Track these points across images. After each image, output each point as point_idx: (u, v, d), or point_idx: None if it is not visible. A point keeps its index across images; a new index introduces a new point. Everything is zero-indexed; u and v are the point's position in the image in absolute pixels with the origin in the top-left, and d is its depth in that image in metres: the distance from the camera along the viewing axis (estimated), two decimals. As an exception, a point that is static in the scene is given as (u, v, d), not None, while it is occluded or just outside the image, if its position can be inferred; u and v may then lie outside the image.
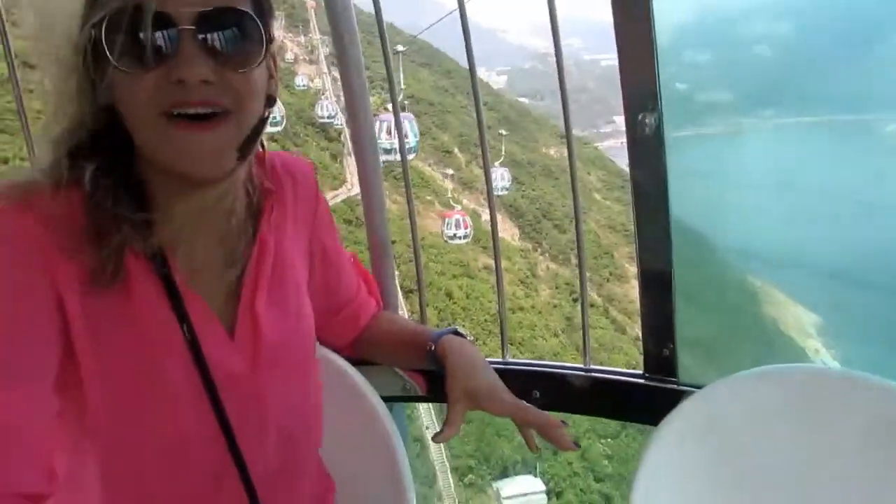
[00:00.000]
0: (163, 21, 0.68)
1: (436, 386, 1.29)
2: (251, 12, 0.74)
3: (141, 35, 0.68)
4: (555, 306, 28.82)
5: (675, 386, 1.23)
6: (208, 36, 0.70)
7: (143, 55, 0.69)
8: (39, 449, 0.72)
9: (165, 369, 0.79)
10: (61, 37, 0.72)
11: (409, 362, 1.19)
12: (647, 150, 1.16)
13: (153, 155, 0.75)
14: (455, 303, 25.76)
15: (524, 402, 0.93)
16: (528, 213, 34.24)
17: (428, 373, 1.29)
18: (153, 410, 0.80)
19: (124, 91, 0.71)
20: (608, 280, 30.75)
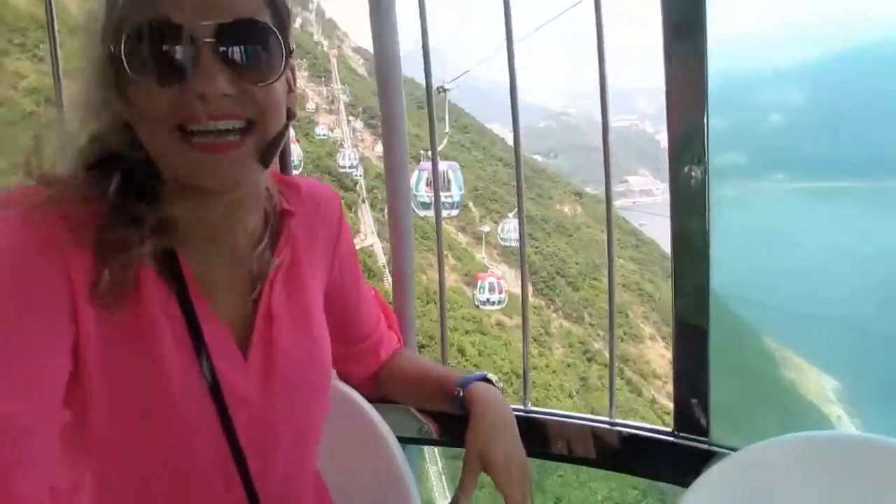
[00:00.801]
0: (181, 34, 0.67)
1: (449, 430, 1.26)
2: (271, 24, 0.71)
3: (160, 49, 0.68)
4: (568, 365, 28.38)
5: (706, 445, 1.17)
6: (228, 49, 0.69)
7: (161, 69, 0.67)
8: (45, 464, 0.68)
9: (174, 387, 0.76)
10: (87, 51, 0.72)
11: (431, 403, 1.14)
12: (692, 200, 1.14)
13: (168, 169, 0.74)
14: (467, 359, 25.42)
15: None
16: (542, 269, 34.19)
17: (440, 417, 1.26)
18: (159, 428, 0.77)
19: (142, 104, 0.70)
20: (622, 340, 30.36)
